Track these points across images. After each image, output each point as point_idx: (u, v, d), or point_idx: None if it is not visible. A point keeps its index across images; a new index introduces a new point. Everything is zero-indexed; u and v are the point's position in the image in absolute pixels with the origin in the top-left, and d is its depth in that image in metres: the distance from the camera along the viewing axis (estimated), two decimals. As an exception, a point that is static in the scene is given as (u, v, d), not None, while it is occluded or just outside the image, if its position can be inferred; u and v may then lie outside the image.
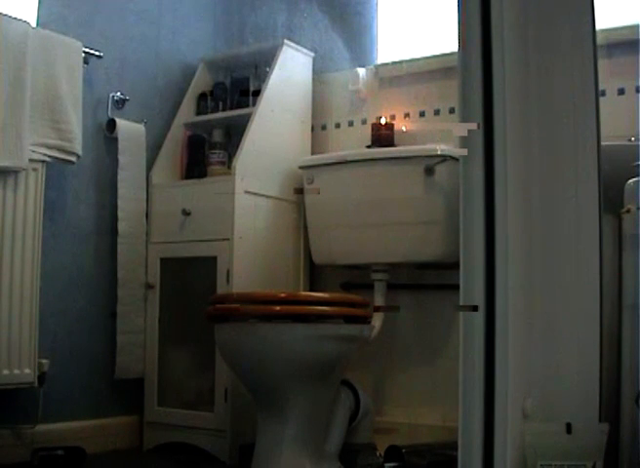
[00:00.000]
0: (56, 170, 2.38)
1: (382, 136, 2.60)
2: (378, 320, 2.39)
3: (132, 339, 2.55)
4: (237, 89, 2.81)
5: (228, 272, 2.41)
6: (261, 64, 2.77)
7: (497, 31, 1.09)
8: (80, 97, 2.39)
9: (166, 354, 2.58)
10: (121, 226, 2.56)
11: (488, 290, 1.10)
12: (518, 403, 1.12)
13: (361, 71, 2.74)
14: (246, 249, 2.46)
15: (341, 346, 2.09)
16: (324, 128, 2.84)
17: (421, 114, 2.64)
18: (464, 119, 1.11)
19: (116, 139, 2.58)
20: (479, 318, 1.08)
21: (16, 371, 2.15)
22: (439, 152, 2.31)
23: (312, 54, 2.81)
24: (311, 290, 2.70)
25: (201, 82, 2.87)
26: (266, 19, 3.04)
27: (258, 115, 2.56)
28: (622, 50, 2.21)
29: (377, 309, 2.40)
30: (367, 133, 2.65)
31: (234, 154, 2.52)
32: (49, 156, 2.29)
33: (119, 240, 2.55)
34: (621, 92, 2.24)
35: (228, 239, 2.43)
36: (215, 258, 2.45)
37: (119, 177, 2.58)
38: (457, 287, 1.20)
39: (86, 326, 2.50)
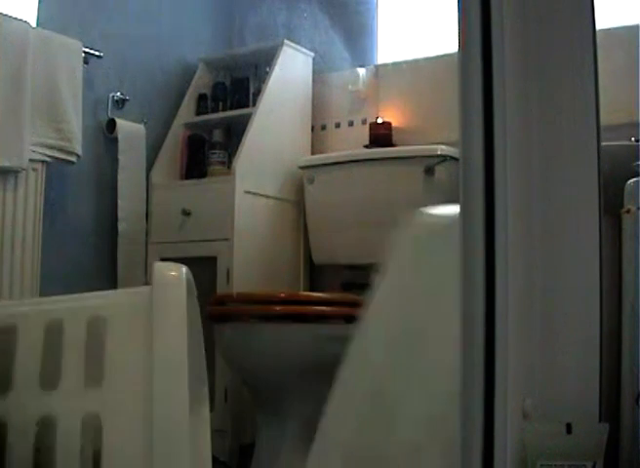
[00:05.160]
0: (56, 170, 2.38)
1: (380, 135, 2.60)
2: (378, 320, 2.38)
3: (132, 339, 2.54)
4: (237, 89, 2.82)
5: (228, 272, 2.41)
6: (261, 64, 2.77)
7: (497, 31, 1.09)
8: (80, 97, 2.39)
9: (166, 354, 2.58)
10: (121, 226, 2.56)
11: (488, 290, 1.10)
12: (518, 403, 1.12)
13: (361, 71, 2.74)
14: (246, 249, 2.46)
15: (341, 346, 2.09)
16: (324, 128, 2.84)
17: (422, 114, 2.63)
18: (464, 119, 1.11)
19: (116, 139, 2.58)
20: (479, 318, 1.08)
21: (16, 371, 2.15)
22: (439, 152, 2.31)
23: (312, 54, 2.81)
24: (311, 290, 2.70)
25: (201, 82, 2.87)
26: (266, 19, 3.04)
27: (258, 115, 2.56)
28: (622, 50, 2.20)
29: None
30: (367, 133, 2.65)
31: (234, 154, 2.52)
32: (49, 156, 2.29)
33: (119, 240, 2.55)
34: (621, 92, 2.23)
35: (228, 239, 2.43)
36: (215, 258, 2.45)
37: (119, 177, 2.58)
38: (456, 287, 1.20)
39: (86, 326, 2.50)
